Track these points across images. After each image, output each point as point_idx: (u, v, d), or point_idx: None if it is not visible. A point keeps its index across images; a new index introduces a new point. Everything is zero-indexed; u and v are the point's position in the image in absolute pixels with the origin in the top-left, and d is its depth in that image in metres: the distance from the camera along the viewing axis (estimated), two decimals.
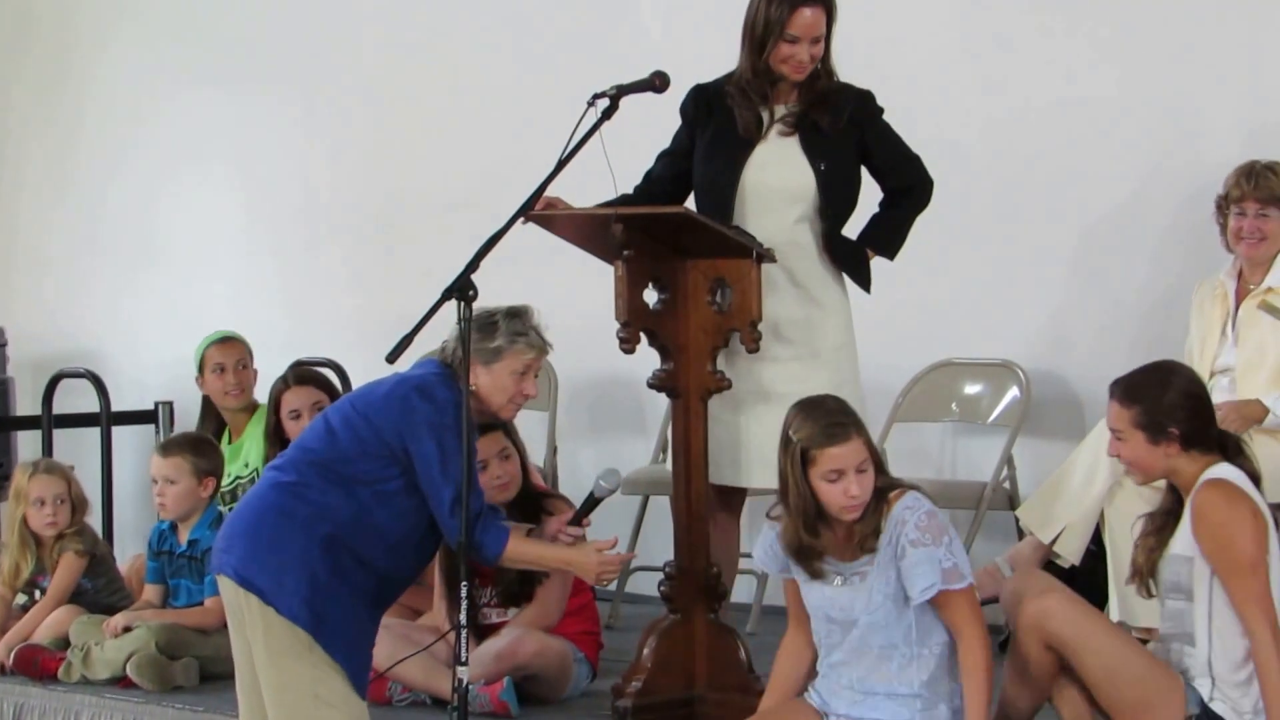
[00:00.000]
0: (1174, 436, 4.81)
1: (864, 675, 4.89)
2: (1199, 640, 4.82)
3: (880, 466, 4.87)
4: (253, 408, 7.33)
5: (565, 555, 5.35)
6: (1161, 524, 4.92)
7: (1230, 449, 4.87)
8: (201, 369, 7.35)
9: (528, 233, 5.50)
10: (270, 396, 6.86)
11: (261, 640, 5.07)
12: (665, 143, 5.90)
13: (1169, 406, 4.81)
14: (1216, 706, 4.77)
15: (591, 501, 5.39)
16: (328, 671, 5.05)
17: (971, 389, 7.19)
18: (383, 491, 5.11)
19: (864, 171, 5.83)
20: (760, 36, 5.63)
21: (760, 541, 5.05)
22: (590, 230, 5.62)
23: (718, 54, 5.84)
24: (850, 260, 5.79)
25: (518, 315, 5.26)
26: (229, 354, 7.33)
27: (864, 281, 5.83)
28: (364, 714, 5.13)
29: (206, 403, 7.45)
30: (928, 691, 4.86)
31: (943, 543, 4.78)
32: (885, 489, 4.85)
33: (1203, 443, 4.83)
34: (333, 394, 6.77)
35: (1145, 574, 4.94)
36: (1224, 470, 4.81)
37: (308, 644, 5.03)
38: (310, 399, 6.73)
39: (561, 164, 5.27)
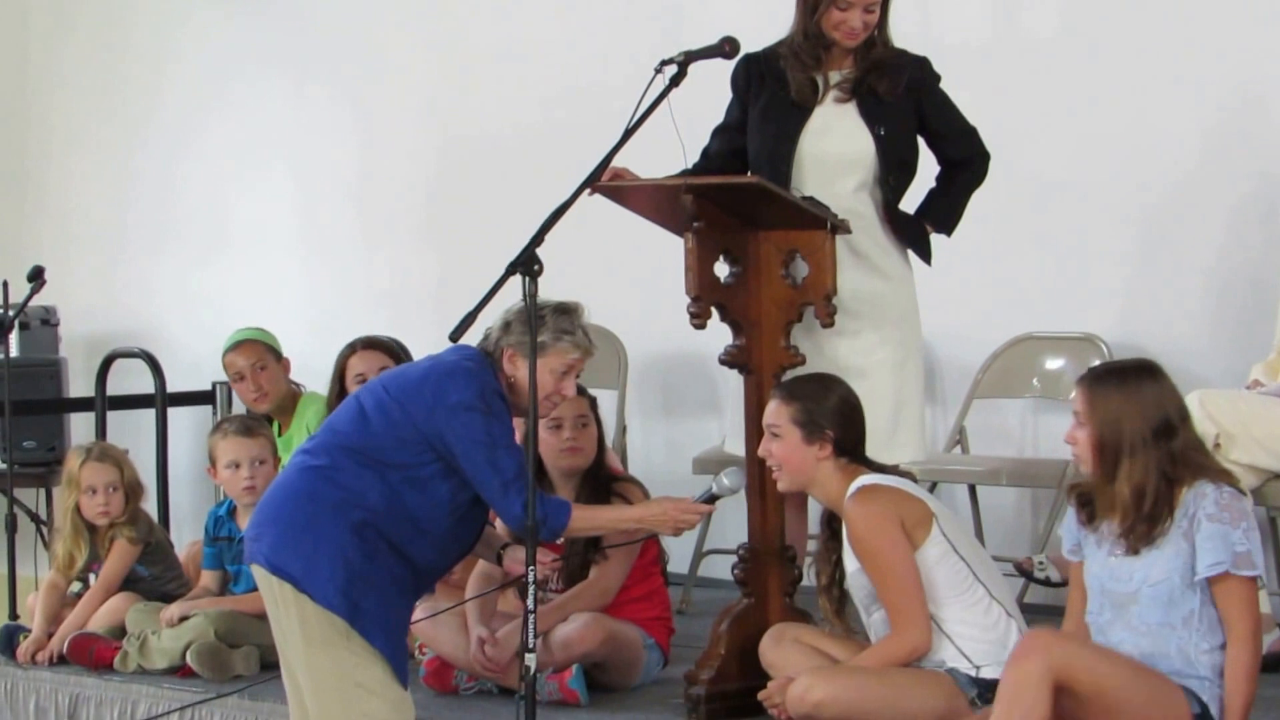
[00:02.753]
0: (829, 439, 5.09)
1: (1148, 653, 4.59)
2: None
3: (1191, 461, 4.62)
4: (293, 397, 7.11)
5: (635, 513, 5.31)
6: (826, 553, 5.20)
7: (874, 468, 5.11)
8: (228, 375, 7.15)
9: (594, 205, 5.36)
10: (335, 363, 6.70)
11: (297, 629, 4.97)
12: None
13: (828, 410, 5.11)
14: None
15: (709, 498, 5.24)
16: (367, 659, 4.95)
17: (1053, 364, 7.06)
18: (415, 477, 5.00)
19: (921, 142, 5.76)
20: None
21: (1065, 521, 4.88)
22: (659, 202, 5.51)
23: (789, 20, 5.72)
24: (910, 232, 5.70)
25: (567, 313, 5.17)
26: (245, 357, 7.05)
27: (925, 253, 5.75)
28: (405, 701, 5.04)
29: None
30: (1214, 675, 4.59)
31: (1240, 526, 4.55)
32: (1178, 479, 4.60)
33: (852, 454, 5.12)
34: (400, 362, 6.58)
35: (838, 610, 5.22)
36: (866, 478, 5.07)
37: (345, 631, 4.93)
38: (377, 363, 6.59)
39: (628, 133, 5.13)
